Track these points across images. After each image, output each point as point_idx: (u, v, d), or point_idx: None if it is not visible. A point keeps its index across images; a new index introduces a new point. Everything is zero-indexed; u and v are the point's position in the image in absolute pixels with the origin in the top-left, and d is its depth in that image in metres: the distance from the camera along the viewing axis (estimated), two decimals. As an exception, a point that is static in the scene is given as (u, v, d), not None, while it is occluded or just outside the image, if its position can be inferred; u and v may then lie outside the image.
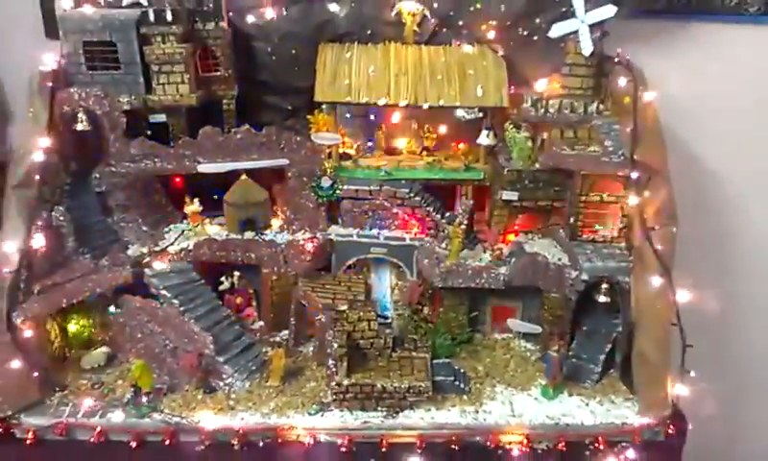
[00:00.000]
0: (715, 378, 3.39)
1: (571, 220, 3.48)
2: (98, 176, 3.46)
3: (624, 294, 3.24)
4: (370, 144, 3.89)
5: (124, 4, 3.53)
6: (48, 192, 3.22)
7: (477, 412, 3.12)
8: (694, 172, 4.11)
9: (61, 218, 3.24)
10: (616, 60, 3.52)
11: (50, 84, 3.27)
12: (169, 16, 3.39)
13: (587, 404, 3.19)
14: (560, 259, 3.41)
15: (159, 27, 3.40)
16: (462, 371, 3.29)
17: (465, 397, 3.19)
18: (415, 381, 3.09)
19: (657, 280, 3.07)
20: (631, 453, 3.07)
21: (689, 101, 3.85)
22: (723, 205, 4.30)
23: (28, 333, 3.04)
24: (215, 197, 3.71)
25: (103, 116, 3.37)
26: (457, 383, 3.21)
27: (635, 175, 3.23)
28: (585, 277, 3.27)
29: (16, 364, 3.00)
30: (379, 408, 3.09)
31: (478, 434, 3.07)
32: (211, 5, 3.55)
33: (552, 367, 3.20)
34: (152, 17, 3.39)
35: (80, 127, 3.32)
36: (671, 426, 3.11)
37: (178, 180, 3.74)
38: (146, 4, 3.50)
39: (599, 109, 3.50)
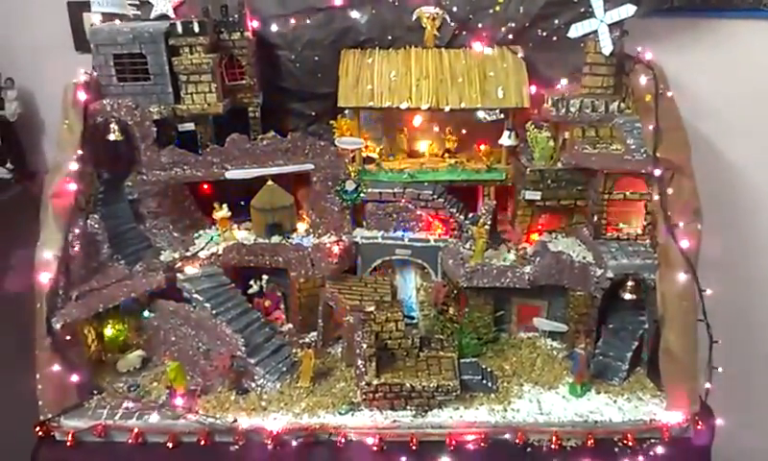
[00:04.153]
0: (743, 374, 3.39)
1: (595, 218, 3.50)
2: (130, 184, 3.55)
3: (650, 291, 3.25)
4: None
5: (152, 17, 3.63)
6: (83, 201, 3.31)
7: (505, 410, 3.15)
8: (717, 167, 4.10)
9: (96, 226, 3.32)
10: (636, 58, 3.54)
11: (83, 95, 3.35)
12: (196, 28, 3.47)
13: (614, 401, 3.21)
14: (584, 258, 3.43)
15: (187, 38, 3.48)
16: (489, 370, 3.34)
17: (492, 395, 3.23)
18: (443, 380, 3.13)
19: (682, 277, 3.08)
20: (659, 450, 3.08)
21: (710, 97, 3.85)
22: (746, 200, 4.29)
23: (66, 338, 3.12)
24: (242, 203, 3.79)
25: (134, 126, 3.46)
26: (484, 382, 3.25)
27: (658, 172, 3.24)
28: (610, 274, 3.28)
29: (56, 368, 3.09)
30: (408, 407, 3.14)
31: (507, 432, 3.11)
32: (236, 16, 3.62)
33: (579, 365, 3.23)
34: (180, 29, 3.47)
35: (112, 137, 3.41)
36: (699, 422, 3.12)
37: (206, 186, 3.80)
38: (173, 16, 3.60)
39: (620, 107, 3.52)
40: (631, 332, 3.39)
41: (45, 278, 3.08)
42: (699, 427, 3.12)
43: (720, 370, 3.18)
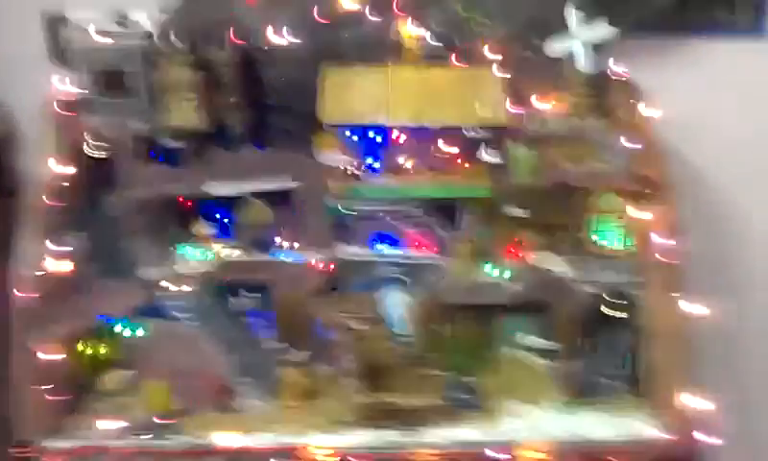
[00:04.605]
0: (730, 392, 3.42)
1: (577, 235, 3.54)
2: (111, 200, 3.48)
3: (635, 308, 3.30)
4: (371, 163, 3.93)
5: (132, 31, 3.57)
6: (63, 216, 3.24)
7: (494, 428, 3.16)
8: (698, 187, 4.18)
9: (76, 242, 3.26)
10: (615, 76, 3.61)
11: (62, 110, 3.30)
12: (178, 44, 3.43)
13: (602, 419, 3.23)
14: (567, 274, 3.46)
15: (169, 54, 3.44)
16: (476, 387, 3.34)
17: (481, 413, 3.23)
18: (431, 399, 3.13)
19: (667, 294, 3.13)
20: (646, 466, 3.12)
21: (689, 117, 3.92)
22: (729, 219, 4.38)
23: (46, 356, 3.04)
24: (225, 220, 3.75)
25: (114, 142, 3.41)
26: (473, 399, 3.25)
27: (638, 189, 3.30)
28: (594, 291, 3.33)
29: (35, 387, 3.02)
30: (397, 426, 3.12)
31: (497, 450, 3.10)
32: (219, 32, 3.59)
33: (566, 382, 3.24)
34: (161, 45, 3.42)
35: (92, 153, 3.36)
36: (687, 440, 3.14)
37: (188, 203, 3.74)
38: (155, 32, 3.55)
39: (599, 124, 3.57)
40: (617, 349, 3.42)
41: (23, 295, 3.02)
42: (686, 445, 3.15)
43: (707, 387, 3.21)
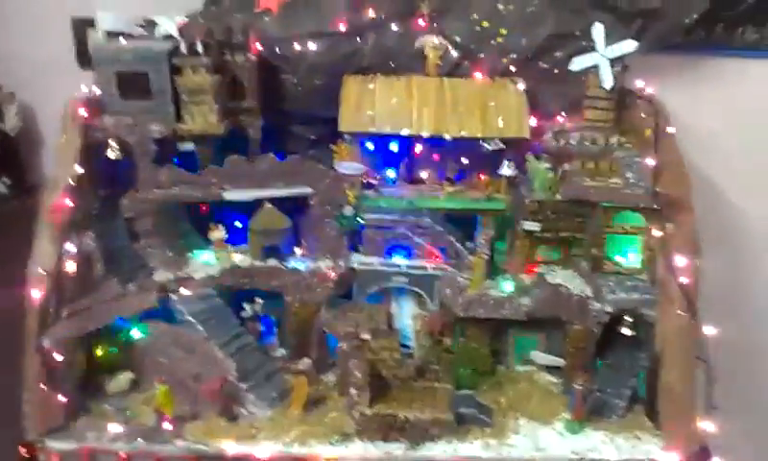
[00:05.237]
0: (742, 414, 3.35)
1: (593, 251, 3.48)
2: (127, 202, 3.51)
3: (648, 327, 3.23)
4: (391, 175, 3.92)
5: (156, 36, 3.62)
6: (79, 217, 3.27)
7: (501, 445, 3.10)
8: (716, 205, 4.11)
9: (91, 243, 3.28)
10: (637, 93, 3.55)
11: (83, 112, 3.34)
12: (199, 48, 3.46)
13: (611, 439, 3.16)
14: (583, 291, 3.40)
15: (190, 58, 3.47)
16: (484, 403, 3.28)
17: (488, 429, 3.17)
18: (437, 413, 3.08)
19: (681, 314, 3.05)
20: (656, 489, 3.03)
21: (710, 135, 3.87)
22: (746, 238, 4.28)
23: (55, 357, 3.06)
24: (240, 225, 3.76)
25: (133, 144, 3.43)
26: (480, 415, 3.19)
27: (657, 207, 3.23)
28: (609, 309, 3.26)
29: (43, 387, 3.02)
30: (402, 439, 3.07)
31: (502, 468, 3.05)
32: (240, 37, 3.62)
33: (576, 400, 3.18)
34: (183, 49, 3.46)
35: (111, 154, 3.38)
36: (698, 463, 3.08)
37: (204, 207, 3.77)
38: (178, 36, 3.59)
39: (620, 141, 3.52)
40: (629, 369, 3.34)
41: (36, 294, 3.03)
42: (697, 468, 3.07)
43: (719, 409, 3.13)
